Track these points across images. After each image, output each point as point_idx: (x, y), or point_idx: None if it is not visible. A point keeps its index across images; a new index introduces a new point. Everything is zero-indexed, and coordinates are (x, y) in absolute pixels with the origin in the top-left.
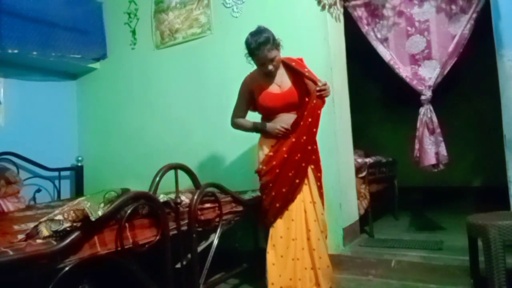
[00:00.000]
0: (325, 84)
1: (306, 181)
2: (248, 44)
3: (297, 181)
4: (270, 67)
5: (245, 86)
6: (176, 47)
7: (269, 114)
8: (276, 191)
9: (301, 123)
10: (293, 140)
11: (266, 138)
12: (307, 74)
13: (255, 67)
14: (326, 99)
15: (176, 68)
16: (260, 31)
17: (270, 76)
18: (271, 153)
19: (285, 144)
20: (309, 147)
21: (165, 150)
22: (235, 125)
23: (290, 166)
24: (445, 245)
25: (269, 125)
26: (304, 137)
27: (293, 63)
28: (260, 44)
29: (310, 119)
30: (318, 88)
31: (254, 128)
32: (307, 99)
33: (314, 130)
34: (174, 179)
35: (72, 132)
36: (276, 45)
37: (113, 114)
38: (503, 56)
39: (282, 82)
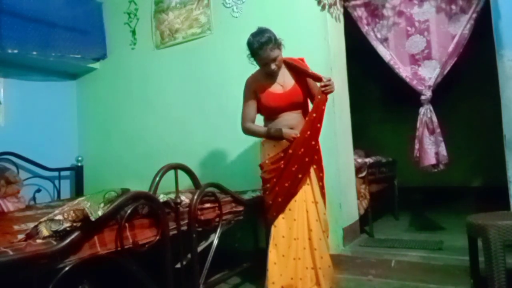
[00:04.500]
0: (329, 80)
1: (308, 181)
2: (250, 44)
3: (300, 175)
4: (273, 66)
5: (249, 88)
6: (176, 47)
7: (272, 114)
8: (279, 186)
9: (305, 118)
10: (298, 135)
11: (272, 140)
12: (310, 71)
13: (256, 67)
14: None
15: (176, 68)
16: (261, 31)
17: (272, 76)
18: (282, 154)
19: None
20: (313, 142)
21: (165, 150)
22: (247, 131)
23: (293, 161)
24: (445, 245)
25: (285, 131)
26: (308, 132)
27: (295, 63)
28: (262, 44)
29: (314, 114)
30: (322, 84)
31: (268, 134)
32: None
33: (318, 125)
34: (174, 179)
35: (72, 132)
36: (278, 44)
37: (113, 114)
38: (503, 56)
39: (284, 82)
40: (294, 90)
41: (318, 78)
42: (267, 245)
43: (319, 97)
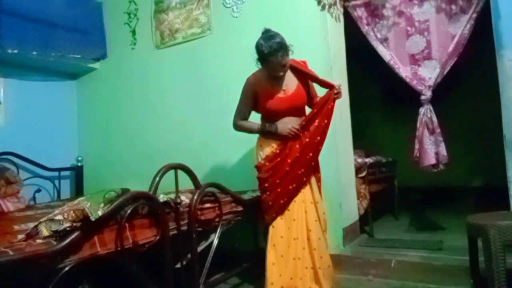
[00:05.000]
0: (339, 87)
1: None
2: (261, 50)
3: (305, 179)
4: (281, 73)
5: (249, 87)
6: (176, 47)
7: (271, 117)
8: (282, 188)
9: (316, 124)
10: (307, 140)
11: (267, 139)
12: (321, 78)
13: (259, 66)
14: None
15: (176, 68)
16: (272, 36)
17: (276, 79)
18: (277, 151)
19: (296, 143)
20: (320, 147)
21: (165, 150)
22: (239, 128)
23: (301, 164)
24: (445, 245)
25: (280, 126)
26: (318, 138)
27: (301, 67)
28: (275, 51)
29: (326, 121)
30: (336, 91)
31: (261, 129)
32: (318, 100)
33: (327, 131)
34: (174, 179)
35: (72, 132)
36: (288, 50)
37: (113, 114)
38: (503, 56)
39: (287, 86)
40: (296, 94)
41: (330, 86)
42: (266, 246)
43: (332, 104)
